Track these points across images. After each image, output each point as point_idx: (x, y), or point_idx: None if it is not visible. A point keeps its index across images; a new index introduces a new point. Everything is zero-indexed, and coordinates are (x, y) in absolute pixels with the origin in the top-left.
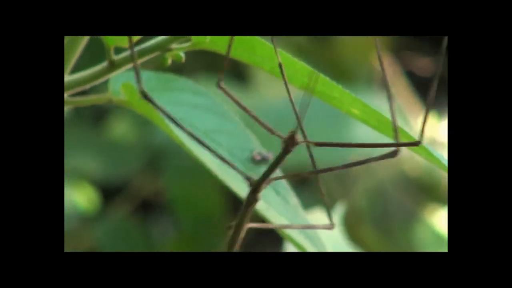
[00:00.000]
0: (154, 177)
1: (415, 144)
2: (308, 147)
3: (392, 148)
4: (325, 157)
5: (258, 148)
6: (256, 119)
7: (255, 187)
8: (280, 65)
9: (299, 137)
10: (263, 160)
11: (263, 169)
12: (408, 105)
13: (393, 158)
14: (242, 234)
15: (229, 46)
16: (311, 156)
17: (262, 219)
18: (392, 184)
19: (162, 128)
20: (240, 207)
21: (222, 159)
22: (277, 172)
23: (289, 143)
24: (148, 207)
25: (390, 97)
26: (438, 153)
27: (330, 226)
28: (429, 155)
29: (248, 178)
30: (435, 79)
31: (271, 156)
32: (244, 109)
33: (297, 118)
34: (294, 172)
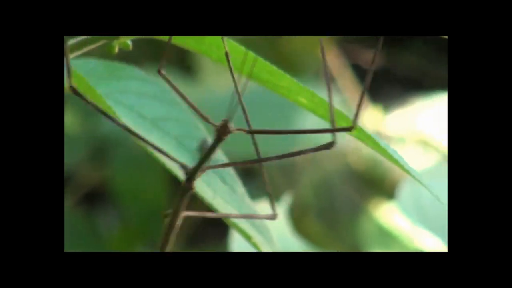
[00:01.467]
0: (100, 168)
1: (349, 129)
2: (252, 136)
3: (329, 140)
4: (273, 148)
5: (205, 136)
6: (193, 107)
7: (190, 176)
8: (226, 53)
9: (232, 125)
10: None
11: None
12: (354, 98)
13: (329, 149)
14: (179, 222)
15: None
16: (254, 144)
17: (208, 208)
18: (338, 177)
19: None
20: (176, 195)
21: (156, 148)
22: (222, 160)
23: (222, 132)
24: (93, 198)
25: (328, 82)
26: (384, 143)
27: (273, 216)
28: (375, 145)
29: (183, 167)
30: (371, 70)
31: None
32: (182, 96)
33: (234, 106)
34: (231, 162)
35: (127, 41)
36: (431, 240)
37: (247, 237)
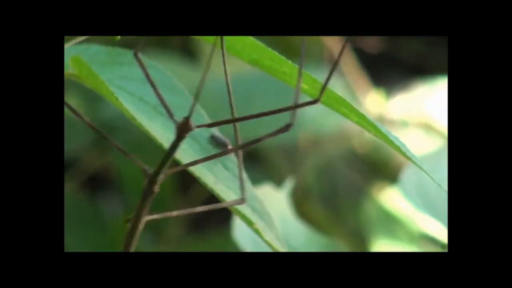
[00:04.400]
0: (103, 153)
1: (314, 102)
2: (233, 125)
3: (287, 122)
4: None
5: (212, 131)
6: (160, 98)
7: (152, 179)
8: (221, 38)
9: (192, 122)
10: (219, 144)
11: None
12: (357, 82)
13: (287, 131)
14: (141, 227)
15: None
16: (235, 134)
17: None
18: (341, 161)
19: (112, 103)
20: (140, 200)
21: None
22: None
23: (183, 129)
24: (97, 183)
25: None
26: (386, 129)
27: (240, 201)
28: (377, 131)
29: (144, 170)
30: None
31: (229, 143)
32: (151, 83)
33: (194, 103)
34: (194, 160)
35: None
36: (434, 224)
37: (249, 223)
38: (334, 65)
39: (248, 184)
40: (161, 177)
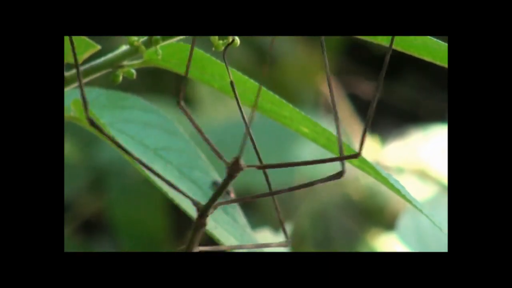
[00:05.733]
0: (98, 197)
1: (355, 156)
2: (264, 171)
3: (338, 170)
4: (274, 179)
5: (216, 178)
6: (208, 142)
7: (202, 212)
8: (231, 83)
9: (243, 162)
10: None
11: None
12: (352, 127)
13: (339, 179)
14: None
15: (188, 63)
16: (266, 179)
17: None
18: (335, 207)
19: (111, 145)
20: (188, 232)
21: (171, 185)
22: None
23: (233, 169)
24: (91, 227)
25: (335, 111)
26: (385, 172)
27: (286, 243)
28: (377, 175)
29: (195, 204)
30: (374, 99)
31: (231, 190)
32: (199, 131)
33: (245, 142)
34: (241, 197)
35: (131, 69)
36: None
37: None
38: (367, 121)
39: (248, 229)
40: (211, 211)
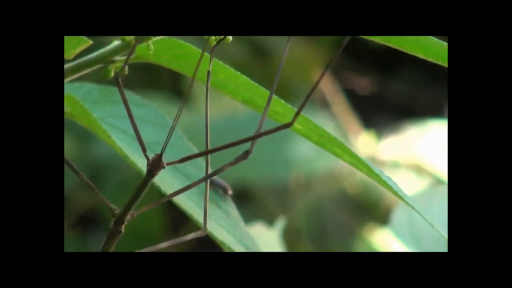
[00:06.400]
0: (94, 192)
1: (287, 126)
2: (205, 160)
3: (246, 149)
4: (270, 175)
5: (209, 170)
6: (136, 131)
7: (118, 219)
8: (208, 72)
9: (163, 160)
10: (219, 188)
11: (217, 196)
12: (348, 123)
13: (246, 158)
14: None
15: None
16: (206, 168)
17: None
18: (331, 202)
19: (104, 141)
20: (105, 239)
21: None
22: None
23: (154, 166)
24: (87, 222)
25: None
26: (378, 169)
27: (202, 233)
28: (369, 171)
29: (111, 209)
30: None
31: (228, 187)
32: (128, 112)
33: (168, 139)
34: (164, 197)
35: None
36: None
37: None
38: (312, 89)
39: (241, 222)
40: (128, 218)
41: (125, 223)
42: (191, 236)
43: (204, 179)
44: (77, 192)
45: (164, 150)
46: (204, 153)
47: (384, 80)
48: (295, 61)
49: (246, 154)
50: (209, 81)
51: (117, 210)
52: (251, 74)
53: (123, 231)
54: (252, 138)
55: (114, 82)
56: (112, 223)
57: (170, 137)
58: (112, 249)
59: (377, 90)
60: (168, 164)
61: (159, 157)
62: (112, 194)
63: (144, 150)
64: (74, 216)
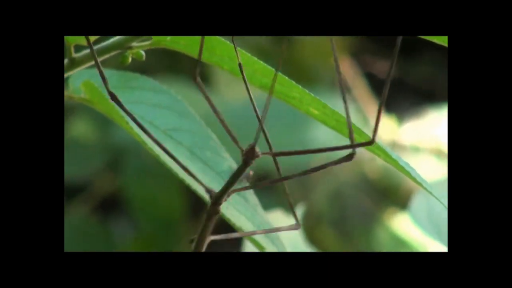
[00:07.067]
0: (115, 177)
1: (369, 143)
2: (274, 158)
3: (348, 151)
4: (287, 163)
5: (226, 156)
6: (223, 124)
7: (216, 200)
8: (240, 65)
9: (258, 149)
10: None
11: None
12: (368, 107)
13: (349, 161)
14: (204, 247)
15: (202, 43)
16: (276, 165)
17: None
18: (351, 187)
19: (122, 127)
20: (201, 219)
21: (185, 169)
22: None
23: (249, 156)
24: (108, 207)
25: (344, 97)
26: (396, 155)
27: (296, 227)
28: (387, 157)
29: (208, 191)
30: (388, 80)
31: (250, 174)
32: (214, 111)
33: (260, 129)
34: (256, 182)
35: (140, 51)
36: (444, 250)
37: (261, 248)
38: (379, 108)
39: (259, 209)
40: (225, 198)
41: (222, 204)
42: (285, 228)
43: (283, 179)
44: (99, 176)
45: (257, 140)
46: (297, 152)
47: (405, 64)
48: (317, 45)
49: (350, 156)
50: (244, 75)
51: (214, 191)
52: (270, 59)
53: (220, 211)
54: (345, 148)
55: (132, 68)
56: (209, 205)
57: (262, 127)
58: (211, 229)
59: (398, 74)
60: (263, 153)
61: (253, 147)
62: (134, 178)
63: (235, 141)
64: (96, 200)
